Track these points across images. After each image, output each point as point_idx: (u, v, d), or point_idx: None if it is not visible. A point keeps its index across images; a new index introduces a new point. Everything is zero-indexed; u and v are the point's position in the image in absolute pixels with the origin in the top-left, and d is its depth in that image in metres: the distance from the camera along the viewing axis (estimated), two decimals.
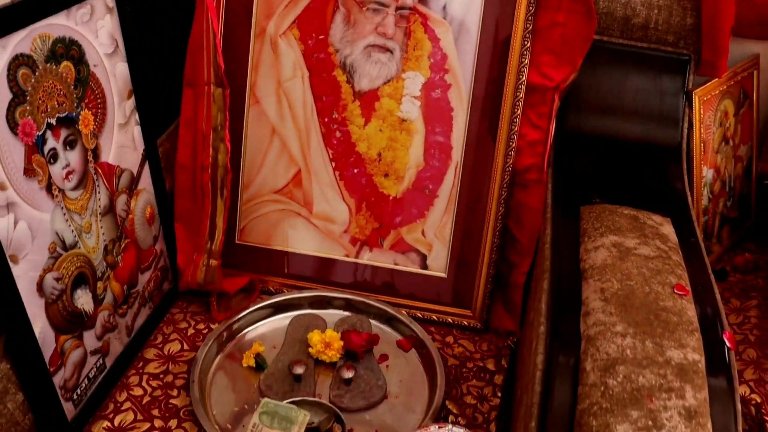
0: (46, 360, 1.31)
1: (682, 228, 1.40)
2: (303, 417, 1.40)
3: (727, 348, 1.14)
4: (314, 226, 1.74)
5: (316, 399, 1.47)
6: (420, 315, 1.70)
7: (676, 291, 1.20)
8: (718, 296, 1.25)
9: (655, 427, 1.00)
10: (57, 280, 1.32)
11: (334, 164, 1.70)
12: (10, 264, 1.20)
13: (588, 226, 1.37)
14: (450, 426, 1.39)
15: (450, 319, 1.71)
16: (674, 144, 1.62)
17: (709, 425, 1.02)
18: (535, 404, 1.14)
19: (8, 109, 1.18)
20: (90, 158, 1.39)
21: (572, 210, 1.46)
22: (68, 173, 1.33)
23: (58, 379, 1.35)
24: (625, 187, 1.54)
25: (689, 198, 1.56)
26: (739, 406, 1.07)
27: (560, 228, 1.44)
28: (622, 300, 1.17)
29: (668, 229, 1.38)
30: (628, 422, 1.01)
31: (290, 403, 1.43)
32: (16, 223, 1.20)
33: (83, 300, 1.40)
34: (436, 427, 1.39)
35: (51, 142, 1.28)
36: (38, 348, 1.28)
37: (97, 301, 1.44)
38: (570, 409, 1.07)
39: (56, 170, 1.30)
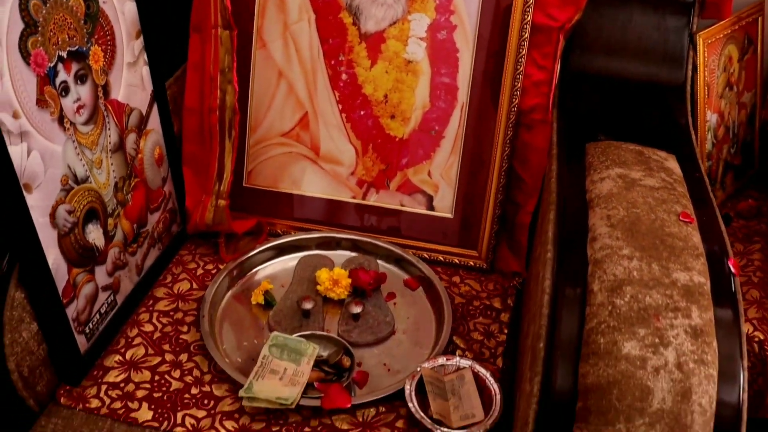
0: (59, 291, 1.32)
1: (687, 164, 1.41)
2: (312, 350, 1.42)
3: (732, 274, 1.16)
4: (321, 168, 1.75)
5: (325, 333, 1.49)
6: (426, 256, 1.72)
7: (681, 218, 1.21)
8: (722, 226, 1.26)
9: (662, 344, 1.02)
10: (69, 212, 1.33)
11: (340, 106, 1.71)
12: (24, 193, 1.22)
13: (594, 160, 1.39)
14: (458, 358, 1.41)
15: (456, 260, 1.72)
16: (678, 84, 1.63)
17: (715, 344, 1.03)
18: (543, 326, 1.16)
19: (20, 39, 1.19)
20: (100, 94, 1.40)
21: (578, 147, 1.47)
22: (79, 107, 1.34)
23: (71, 312, 1.36)
24: (629, 126, 1.55)
25: (693, 137, 1.57)
26: (744, 328, 1.09)
27: (566, 163, 1.46)
28: (629, 226, 1.19)
29: (673, 163, 1.39)
30: (635, 339, 1.03)
31: (299, 336, 1.45)
32: (29, 152, 1.22)
33: (94, 235, 1.41)
34: (444, 359, 1.41)
35: (62, 75, 1.29)
36: (51, 278, 1.30)
37: (108, 237, 1.46)
38: (578, 330, 1.09)
39: (67, 103, 1.31)
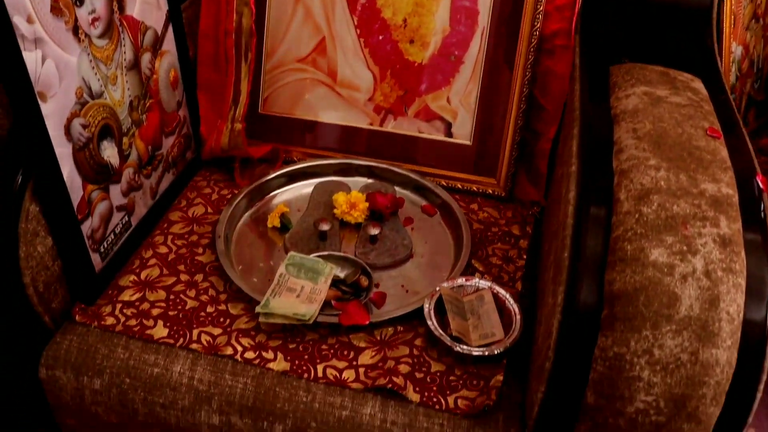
0: (74, 206, 1.31)
1: (712, 87, 1.38)
2: (329, 269, 1.40)
3: (760, 190, 1.13)
4: (338, 94, 1.72)
5: (342, 254, 1.47)
6: (444, 183, 1.69)
7: (708, 133, 1.19)
8: (749, 144, 1.24)
9: (689, 252, 0.99)
10: (84, 127, 1.31)
11: (358, 31, 1.68)
12: (39, 101, 1.19)
13: (618, 79, 1.36)
14: (477, 279, 1.39)
15: (474, 187, 1.69)
16: (705, 7, 1.59)
17: (743, 254, 1.01)
18: (567, 236, 1.13)
19: None
20: (115, 8, 1.37)
21: (601, 70, 1.44)
22: (94, 19, 1.32)
23: (85, 228, 1.34)
24: (654, 49, 1.52)
25: (719, 62, 1.54)
26: None
27: (589, 83, 1.43)
28: (655, 139, 1.16)
29: (699, 85, 1.37)
30: (662, 247, 1.00)
31: (316, 257, 1.43)
32: (43, 60, 1.19)
33: (109, 152, 1.39)
34: (464, 279, 1.39)
35: None
36: (66, 192, 1.28)
37: (123, 156, 1.44)
38: (603, 238, 1.07)
39: (82, 14, 1.28)
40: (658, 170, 1.10)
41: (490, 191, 1.69)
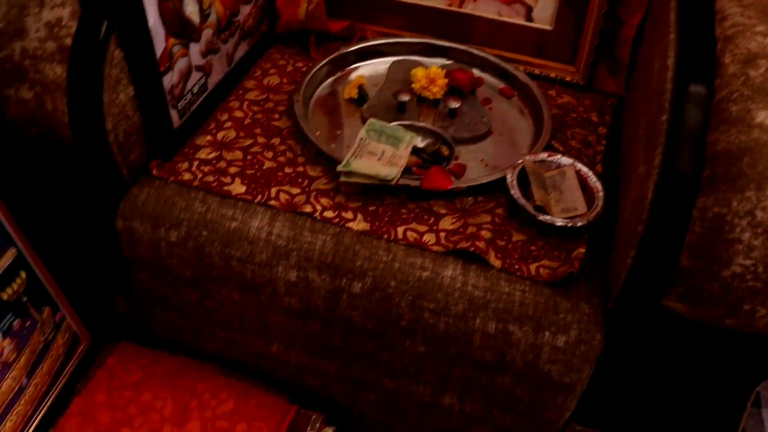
0: (157, 56, 1.29)
1: None
2: (410, 137, 1.38)
3: None
4: None
5: (423, 124, 1.44)
6: (522, 68, 1.65)
7: None
8: None
9: None
10: None
11: None
12: None
13: None
14: (559, 156, 1.37)
15: (553, 74, 1.66)
16: None
17: None
18: (666, 100, 1.10)
19: None
20: None
21: None
22: None
23: (165, 82, 1.33)
24: None
25: None
26: None
27: None
28: (761, 8, 1.12)
29: None
30: None
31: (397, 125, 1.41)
32: None
33: (191, 9, 1.37)
34: (546, 155, 1.37)
35: None
36: (150, 40, 1.26)
37: (203, 16, 1.41)
38: (705, 99, 1.03)
39: None
40: (766, 36, 1.06)
41: (569, 79, 1.65)
